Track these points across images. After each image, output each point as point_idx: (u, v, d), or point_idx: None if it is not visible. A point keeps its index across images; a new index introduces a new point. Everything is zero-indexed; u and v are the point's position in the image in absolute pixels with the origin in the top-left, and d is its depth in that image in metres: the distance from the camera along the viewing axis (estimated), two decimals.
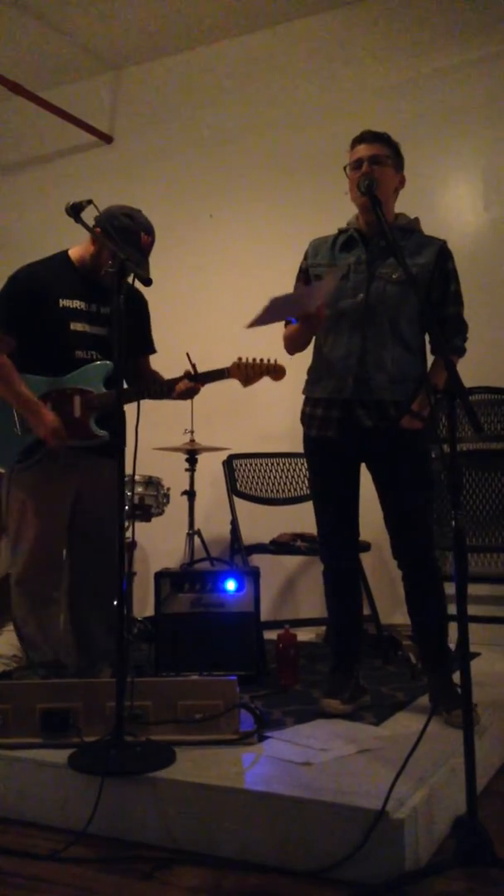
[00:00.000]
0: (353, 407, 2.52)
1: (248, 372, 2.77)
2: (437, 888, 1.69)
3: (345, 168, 2.53)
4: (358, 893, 1.69)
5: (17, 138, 5.43)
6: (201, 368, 2.80)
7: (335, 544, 2.67)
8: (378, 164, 2.53)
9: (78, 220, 2.42)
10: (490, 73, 4.16)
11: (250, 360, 2.77)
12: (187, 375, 2.79)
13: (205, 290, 4.76)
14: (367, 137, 2.58)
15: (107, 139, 5.15)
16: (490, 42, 4.17)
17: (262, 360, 2.78)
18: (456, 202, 4.21)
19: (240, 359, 2.77)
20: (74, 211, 2.40)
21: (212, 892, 1.73)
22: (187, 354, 2.81)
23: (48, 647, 2.76)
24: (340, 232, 2.70)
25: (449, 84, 4.24)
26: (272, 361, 2.78)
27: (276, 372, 2.79)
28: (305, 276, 2.73)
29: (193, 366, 2.80)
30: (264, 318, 2.35)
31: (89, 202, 2.43)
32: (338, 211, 4.30)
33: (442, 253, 2.57)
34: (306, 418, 2.67)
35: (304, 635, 3.74)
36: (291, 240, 4.56)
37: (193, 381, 2.78)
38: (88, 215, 2.43)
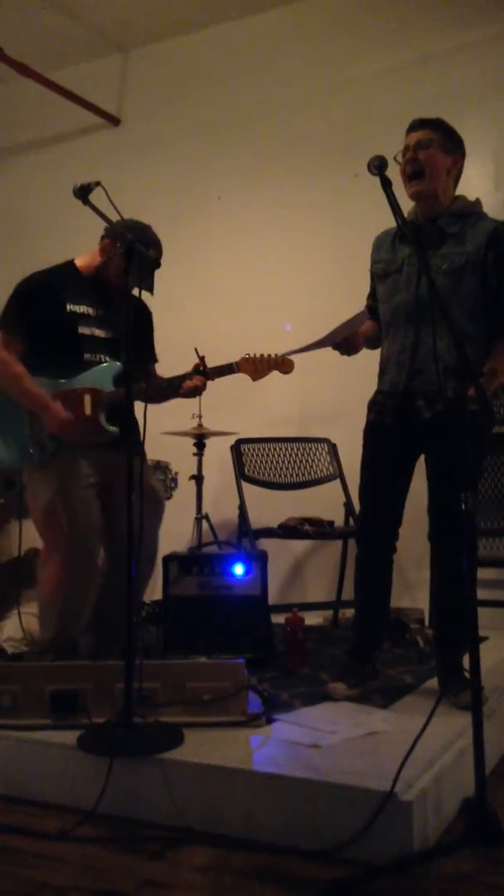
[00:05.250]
0: (413, 398, 2.52)
1: (256, 366, 2.78)
2: (445, 869, 1.70)
3: (395, 157, 2.50)
4: (366, 874, 1.69)
5: (25, 119, 5.40)
6: (209, 351, 2.79)
7: (373, 530, 2.66)
8: (423, 148, 2.50)
9: (86, 201, 2.40)
10: (499, 52, 4.11)
11: (258, 355, 2.77)
12: (196, 370, 2.79)
13: (212, 272, 4.74)
14: (414, 125, 2.55)
15: (114, 121, 5.12)
16: (499, 21, 4.12)
17: (269, 354, 2.78)
18: (465, 183, 4.15)
19: (248, 354, 2.77)
20: (82, 193, 2.38)
21: (220, 871, 1.74)
22: (196, 349, 2.81)
23: (71, 635, 2.77)
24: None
25: (458, 64, 4.19)
26: (280, 356, 2.78)
27: (285, 365, 2.79)
28: (371, 276, 2.74)
29: (202, 359, 2.80)
30: (300, 351, 2.55)
31: (97, 184, 2.41)
32: (346, 192, 4.30)
33: (494, 235, 2.48)
34: (370, 404, 2.68)
35: (312, 619, 3.75)
36: (300, 221, 4.58)
37: (203, 377, 2.78)
38: (96, 197, 2.42)
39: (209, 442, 4.05)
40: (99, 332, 2.85)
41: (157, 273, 2.74)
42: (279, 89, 4.66)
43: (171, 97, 4.97)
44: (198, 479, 3.99)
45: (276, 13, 4.68)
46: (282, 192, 4.61)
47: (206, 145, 4.82)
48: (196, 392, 2.85)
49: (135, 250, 2.33)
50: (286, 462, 4.20)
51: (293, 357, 2.75)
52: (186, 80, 4.93)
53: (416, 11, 4.32)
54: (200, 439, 4.01)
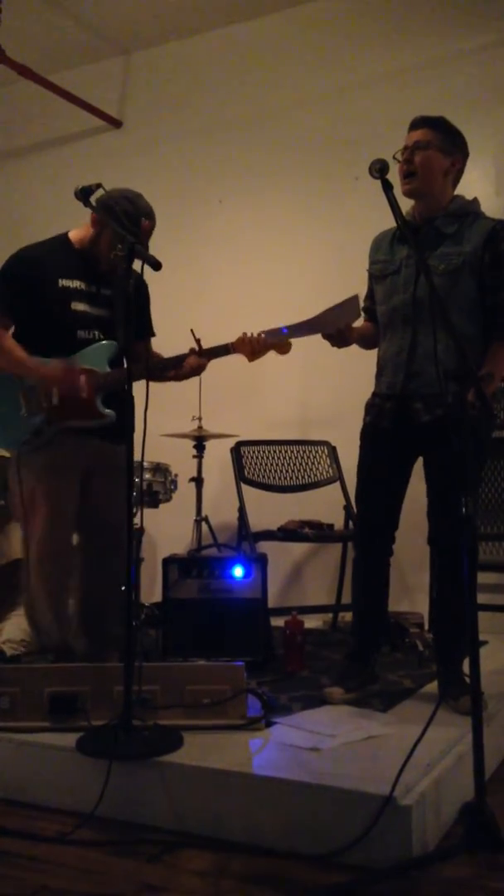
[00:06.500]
0: (410, 401, 2.52)
1: (253, 345, 2.75)
2: (445, 874, 1.70)
3: (394, 156, 2.50)
4: (365, 878, 1.69)
5: (27, 122, 5.41)
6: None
7: (370, 532, 2.66)
8: (420, 149, 2.50)
9: (87, 203, 2.41)
10: (500, 57, 4.11)
11: (254, 335, 2.75)
12: (192, 352, 2.78)
13: (213, 275, 4.74)
14: (416, 123, 2.55)
15: (116, 123, 5.13)
16: (500, 27, 4.13)
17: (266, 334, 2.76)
18: (466, 187, 4.16)
19: (244, 333, 2.76)
20: (84, 195, 2.39)
21: (219, 876, 1.73)
22: (191, 331, 2.80)
23: (59, 631, 2.76)
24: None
25: (459, 68, 4.20)
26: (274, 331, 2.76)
27: (282, 345, 2.77)
28: (369, 276, 2.73)
29: (198, 341, 2.79)
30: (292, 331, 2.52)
31: (98, 186, 2.42)
32: (346, 195, 4.30)
33: (491, 235, 2.48)
34: (367, 407, 2.68)
35: (311, 622, 3.75)
36: (301, 225, 4.59)
37: (198, 357, 2.77)
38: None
39: (209, 444, 4.05)
40: (92, 310, 2.80)
41: (157, 276, 2.73)
42: (280, 93, 4.67)
43: (172, 100, 4.98)
44: (197, 481, 3.99)
45: (278, 17, 4.69)
46: (283, 195, 4.62)
47: (208, 148, 4.83)
48: (196, 371, 2.82)
49: (136, 252, 2.32)
50: (286, 465, 4.20)
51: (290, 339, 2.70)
52: (188, 83, 4.94)
53: (417, 16, 4.32)
54: (200, 441, 4.00)
